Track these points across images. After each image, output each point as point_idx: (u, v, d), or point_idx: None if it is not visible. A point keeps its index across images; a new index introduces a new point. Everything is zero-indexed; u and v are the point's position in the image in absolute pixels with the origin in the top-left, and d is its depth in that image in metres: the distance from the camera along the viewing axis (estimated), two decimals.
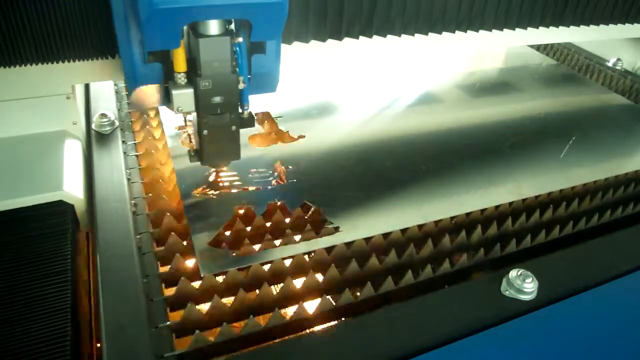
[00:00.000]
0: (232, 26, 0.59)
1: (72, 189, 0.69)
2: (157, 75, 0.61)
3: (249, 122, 0.66)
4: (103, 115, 0.85)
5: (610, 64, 1.33)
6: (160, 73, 0.61)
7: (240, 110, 0.64)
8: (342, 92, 1.08)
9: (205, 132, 0.63)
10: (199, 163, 0.72)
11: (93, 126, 0.84)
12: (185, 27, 0.58)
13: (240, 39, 0.58)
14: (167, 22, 0.51)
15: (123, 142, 0.82)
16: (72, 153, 0.76)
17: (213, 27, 0.56)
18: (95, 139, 0.82)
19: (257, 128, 0.91)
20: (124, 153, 0.80)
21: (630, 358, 0.59)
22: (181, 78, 0.59)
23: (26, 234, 0.63)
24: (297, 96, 1.03)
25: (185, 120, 0.70)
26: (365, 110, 1.01)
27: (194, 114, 0.64)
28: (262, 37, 0.58)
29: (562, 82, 1.25)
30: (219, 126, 0.63)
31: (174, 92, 0.59)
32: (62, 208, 0.67)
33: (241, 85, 0.61)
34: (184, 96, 0.60)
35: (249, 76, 0.63)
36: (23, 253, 0.61)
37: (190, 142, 0.72)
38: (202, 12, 0.52)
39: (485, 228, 0.74)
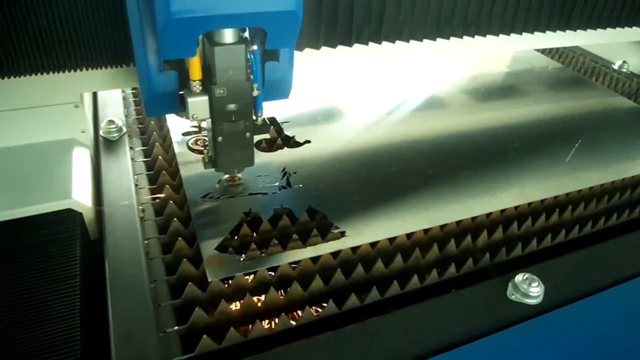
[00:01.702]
0: (247, 34, 0.59)
1: (81, 197, 0.70)
2: (173, 83, 0.62)
3: (263, 128, 0.67)
4: (111, 121, 0.86)
5: (616, 67, 1.33)
6: (176, 81, 0.62)
7: (254, 117, 0.65)
8: (347, 97, 1.09)
9: (220, 139, 0.64)
10: (205, 169, 0.72)
11: (101, 132, 0.85)
12: (200, 36, 0.59)
13: (255, 47, 0.59)
14: (184, 31, 0.52)
15: (130, 148, 0.83)
16: (81, 161, 0.76)
17: (228, 35, 0.57)
18: (103, 146, 0.83)
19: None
20: (132, 159, 0.81)
21: None
22: (196, 86, 0.60)
23: (35, 242, 0.64)
24: (302, 101, 1.04)
25: (199, 127, 0.71)
26: (371, 115, 1.01)
27: (209, 121, 0.65)
28: (276, 45, 0.59)
29: (567, 85, 1.24)
30: (234, 133, 0.64)
31: (189, 100, 0.60)
32: (70, 216, 0.68)
33: (255, 92, 0.62)
34: (199, 104, 0.61)
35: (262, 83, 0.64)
36: (32, 260, 0.61)
37: (200, 146, 0.72)
38: (218, 21, 0.53)
39: (491, 232, 0.74)
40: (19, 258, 0.61)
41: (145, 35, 0.57)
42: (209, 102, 0.61)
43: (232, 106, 0.61)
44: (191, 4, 0.50)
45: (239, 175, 0.77)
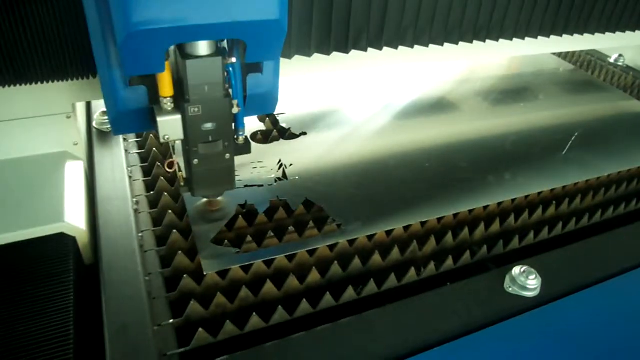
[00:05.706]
0: (225, 44, 0.52)
1: (74, 220, 0.64)
2: (142, 99, 0.54)
3: (245, 148, 0.60)
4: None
5: (612, 60, 1.32)
6: (145, 96, 0.54)
7: (235, 136, 0.58)
8: (344, 89, 1.08)
9: (195, 161, 0.57)
10: (181, 193, 0.67)
11: (94, 123, 0.84)
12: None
13: (234, 59, 0.51)
14: (148, 44, 0.44)
15: (124, 139, 0.82)
16: (74, 177, 0.70)
17: (202, 47, 0.49)
18: (96, 137, 0.82)
19: (259, 125, 0.91)
20: (126, 150, 0.80)
21: (634, 355, 0.58)
22: (167, 103, 0.52)
23: (24, 267, 0.59)
24: (299, 93, 1.03)
25: (172, 149, 0.64)
26: (368, 108, 1.00)
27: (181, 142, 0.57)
28: (258, 58, 0.52)
29: (568, 83, 1.24)
30: (211, 155, 0.57)
31: (160, 119, 0.52)
32: (63, 241, 0.62)
33: (235, 110, 0.54)
34: (171, 123, 0.53)
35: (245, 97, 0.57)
36: (23, 288, 0.57)
37: (180, 170, 0.64)
38: (187, 33, 0.45)
39: (488, 225, 0.74)
40: (5, 278, 0.57)
41: (109, 47, 0.49)
42: (182, 121, 0.53)
43: (208, 125, 0.54)
44: (155, 14, 0.42)
45: (220, 198, 0.69)
